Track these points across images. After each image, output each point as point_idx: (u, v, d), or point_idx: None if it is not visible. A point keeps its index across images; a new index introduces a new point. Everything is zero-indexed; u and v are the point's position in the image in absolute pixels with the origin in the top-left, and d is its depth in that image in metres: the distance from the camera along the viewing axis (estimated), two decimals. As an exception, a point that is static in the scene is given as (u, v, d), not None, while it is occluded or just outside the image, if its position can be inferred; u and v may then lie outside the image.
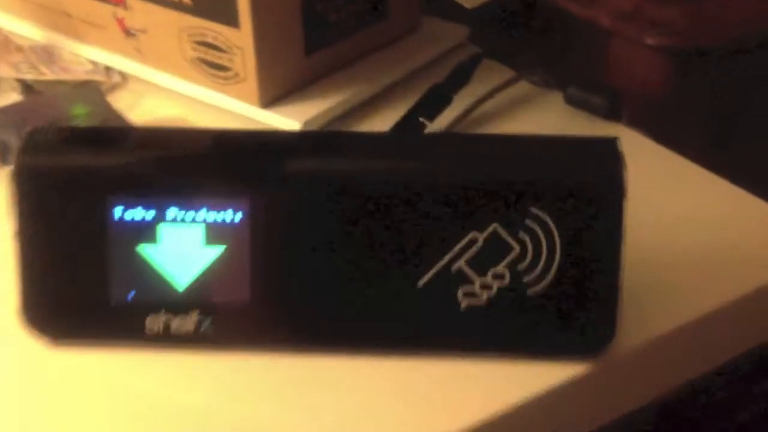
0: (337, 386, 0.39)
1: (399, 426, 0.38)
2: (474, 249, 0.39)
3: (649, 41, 0.55)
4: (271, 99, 0.56)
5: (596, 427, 0.41)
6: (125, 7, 0.58)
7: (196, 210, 0.39)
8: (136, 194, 0.39)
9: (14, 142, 0.51)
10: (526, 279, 0.39)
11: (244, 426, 0.38)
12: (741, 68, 0.57)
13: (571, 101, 0.56)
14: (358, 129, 0.56)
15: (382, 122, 0.56)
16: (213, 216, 0.39)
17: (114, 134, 0.43)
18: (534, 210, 0.38)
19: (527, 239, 0.38)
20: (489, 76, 0.58)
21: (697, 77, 0.55)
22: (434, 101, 0.54)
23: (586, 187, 0.38)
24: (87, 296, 0.40)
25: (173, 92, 0.59)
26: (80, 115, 0.52)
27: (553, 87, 0.57)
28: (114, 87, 0.60)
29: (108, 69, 0.61)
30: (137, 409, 0.39)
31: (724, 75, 0.56)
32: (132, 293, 0.39)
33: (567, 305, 0.39)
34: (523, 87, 0.58)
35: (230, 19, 0.54)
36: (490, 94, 0.55)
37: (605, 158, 0.38)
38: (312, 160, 0.40)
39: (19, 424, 0.38)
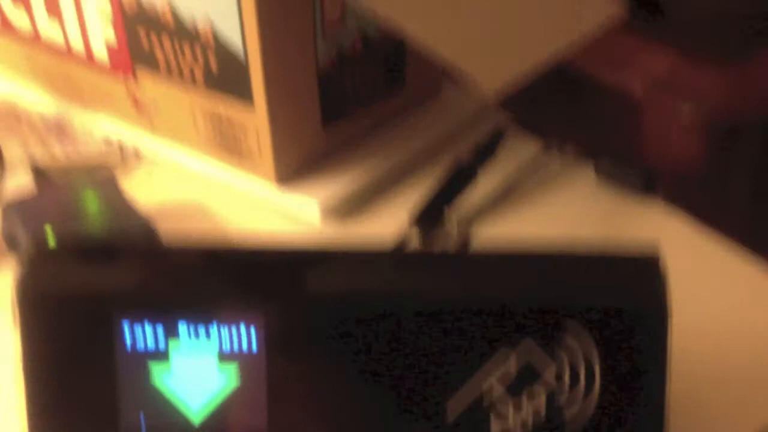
0: None
1: None
2: (507, 375, 0.36)
3: (686, 113, 0.52)
4: (287, 175, 0.54)
5: None
6: (136, 78, 0.56)
7: (209, 334, 0.37)
8: (146, 315, 0.37)
9: (23, 235, 0.49)
10: (564, 407, 0.36)
11: None
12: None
13: (603, 175, 0.53)
14: (377, 208, 0.54)
15: (403, 198, 0.54)
16: (227, 341, 0.37)
17: (121, 249, 0.41)
18: (569, 340, 0.36)
19: (565, 364, 0.36)
20: (516, 147, 0.55)
21: (736, 151, 0.52)
22: (459, 180, 0.52)
23: (629, 311, 0.35)
24: (97, 426, 0.38)
25: (188, 172, 0.57)
26: (92, 210, 0.50)
27: (584, 160, 0.54)
28: (126, 164, 0.58)
29: (121, 146, 0.59)
30: None
31: (763, 148, 0.53)
32: (144, 424, 0.37)
33: (610, 430, 0.36)
34: (553, 159, 0.55)
35: (244, 95, 0.51)
36: (520, 172, 0.52)
37: (648, 279, 0.36)
38: (331, 280, 0.38)
39: None
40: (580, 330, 0.36)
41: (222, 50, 0.50)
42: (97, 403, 0.37)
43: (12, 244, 0.50)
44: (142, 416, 0.37)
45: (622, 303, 0.35)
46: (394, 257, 0.39)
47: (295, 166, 0.55)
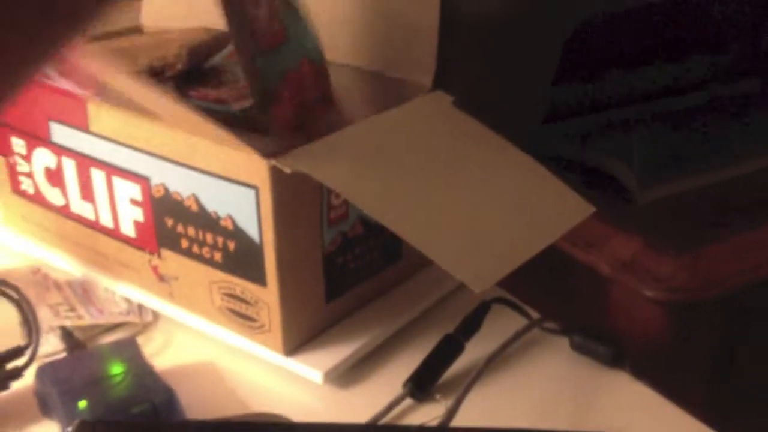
0: None
1: None
2: None
3: (648, 294, 0.59)
4: (294, 347, 0.60)
5: None
6: (159, 256, 0.62)
7: None
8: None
9: (54, 396, 0.55)
10: None
11: None
12: (737, 308, 0.61)
13: (576, 348, 0.59)
14: (375, 374, 0.60)
15: (398, 365, 0.60)
16: None
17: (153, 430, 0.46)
18: None
19: None
20: (499, 320, 0.61)
21: (696, 324, 0.58)
22: (448, 350, 0.58)
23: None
24: None
25: (202, 334, 0.63)
26: (117, 373, 0.56)
27: (559, 333, 0.61)
28: (146, 326, 0.64)
29: (141, 308, 0.65)
30: None
31: (721, 318, 0.59)
32: None
33: None
34: (532, 332, 0.61)
35: (258, 277, 0.58)
36: (502, 348, 0.59)
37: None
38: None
39: None
40: None
41: (240, 238, 0.57)
42: None
43: (44, 403, 0.56)
44: None
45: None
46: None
47: (301, 339, 0.61)
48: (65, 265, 0.68)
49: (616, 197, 0.60)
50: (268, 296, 0.58)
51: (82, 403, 0.54)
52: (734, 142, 0.78)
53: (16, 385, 0.58)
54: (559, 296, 0.63)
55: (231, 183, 0.56)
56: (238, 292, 0.60)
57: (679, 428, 0.54)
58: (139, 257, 0.64)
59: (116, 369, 0.57)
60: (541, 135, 0.75)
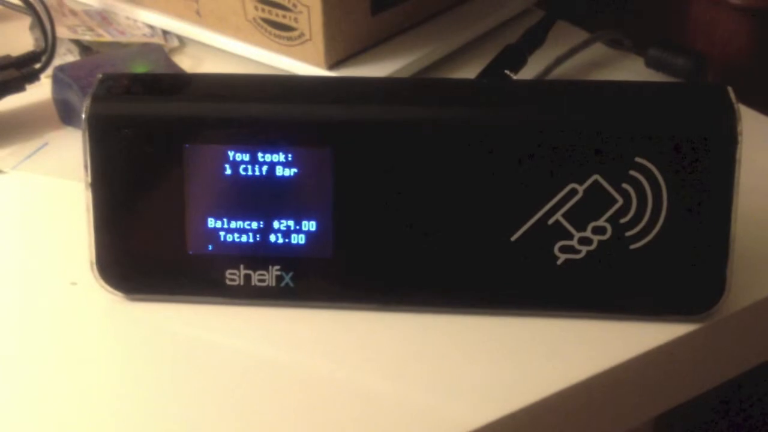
0: (422, 345, 0.37)
1: (485, 386, 0.35)
2: (573, 201, 0.36)
3: (735, 1, 0.52)
4: (337, 60, 0.54)
5: (702, 392, 0.38)
6: (185, -34, 0.56)
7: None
8: (213, 142, 0.37)
9: (76, 100, 0.49)
10: (629, 233, 0.36)
11: (322, 381, 0.36)
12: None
13: (652, 64, 0.53)
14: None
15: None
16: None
17: (184, 81, 0.41)
18: (639, 160, 0.36)
19: (631, 191, 0.36)
20: (563, 39, 0.55)
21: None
22: (510, 60, 0.52)
23: (697, 136, 0.35)
24: (164, 248, 0.38)
25: (234, 55, 0.57)
26: (142, 71, 0.50)
27: (632, 49, 0.54)
28: (172, 51, 0.59)
29: (165, 33, 0.59)
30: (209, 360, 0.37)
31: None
32: (211, 245, 0.37)
33: (673, 261, 0.36)
34: (600, 50, 0.55)
35: (297, -24, 0.52)
36: (567, 55, 0.53)
37: (716, 106, 0.36)
38: (397, 108, 0.38)
39: (92, 380, 0.37)
40: (649, 159, 0.36)
41: (278, -76, 0.50)
42: (164, 223, 0.38)
43: (65, 109, 0.50)
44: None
45: (690, 130, 0.35)
46: (468, 85, 0.39)
47: (345, 53, 0.55)
48: (83, -3, 0.62)
49: None
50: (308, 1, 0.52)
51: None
52: None
53: (33, 93, 0.52)
54: (631, 13, 0.56)
55: None
56: (274, -4, 0.54)
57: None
58: (162, -29, 0.58)
59: (140, 69, 0.51)
60: None
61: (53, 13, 0.60)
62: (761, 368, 0.42)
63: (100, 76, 0.39)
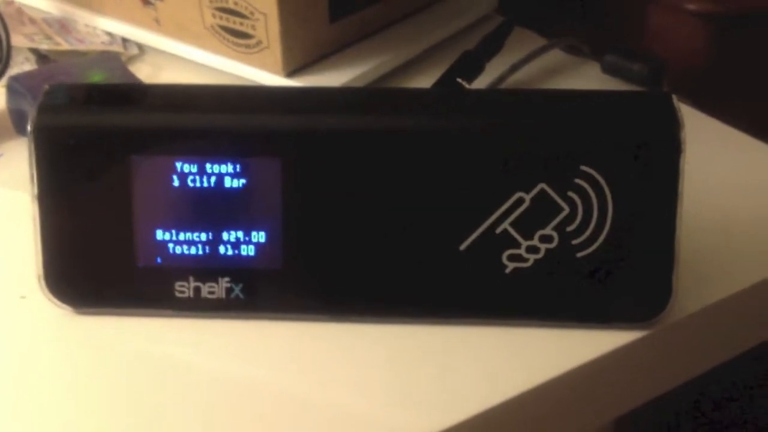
0: (372, 354, 0.37)
1: (435, 396, 0.36)
2: (520, 210, 0.36)
3: (691, 7, 0.52)
4: (295, 67, 0.54)
5: (650, 399, 0.39)
6: (143, -26, 0.56)
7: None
8: (160, 153, 0.37)
9: (28, 103, 0.49)
10: (576, 241, 0.36)
11: (274, 393, 0.36)
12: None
13: (608, 70, 0.53)
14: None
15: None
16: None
17: (134, 91, 0.41)
18: (584, 168, 0.36)
19: (577, 199, 0.36)
20: (521, 45, 0.55)
21: (741, 43, 0.52)
22: (466, 68, 0.52)
23: (640, 143, 0.36)
24: (113, 260, 0.37)
25: (193, 63, 0.57)
26: (97, 81, 0.50)
27: (589, 55, 0.55)
28: (131, 59, 0.58)
29: (125, 40, 0.59)
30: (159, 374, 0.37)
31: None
32: (160, 257, 0.37)
33: (619, 269, 0.36)
34: (557, 56, 0.55)
35: (253, -17, 0.52)
36: (524, 62, 0.53)
37: (660, 114, 0.36)
38: (345, 118, 0.38)
39: (40, 393, 0.36)
40: (594, 168, 0.36)
41: (233, -68, 0.50)
42: (112, 235, 0.37)
43: (19, 119, 0.50)
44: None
45: (632, 138, 0.36)
46: (418, 95, 0.39)
47: (303, 60, 0.55)
48: (42, 4, 0.62)
49: None
50: (265, 4, 0.52)
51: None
52: None
53: (-15, 103, 0.52)
54: (588, 20, 0.56)
55: None
56: (231, 3, 0.53)
57: (724, 140, 0.49)
58: (121, -21, 0.57)
59: (96, 78, 0.51)
60: None
61: (11, 22, 0.60)
62: (721, 368, 0.42)
63: (46, 87, 0.39)
